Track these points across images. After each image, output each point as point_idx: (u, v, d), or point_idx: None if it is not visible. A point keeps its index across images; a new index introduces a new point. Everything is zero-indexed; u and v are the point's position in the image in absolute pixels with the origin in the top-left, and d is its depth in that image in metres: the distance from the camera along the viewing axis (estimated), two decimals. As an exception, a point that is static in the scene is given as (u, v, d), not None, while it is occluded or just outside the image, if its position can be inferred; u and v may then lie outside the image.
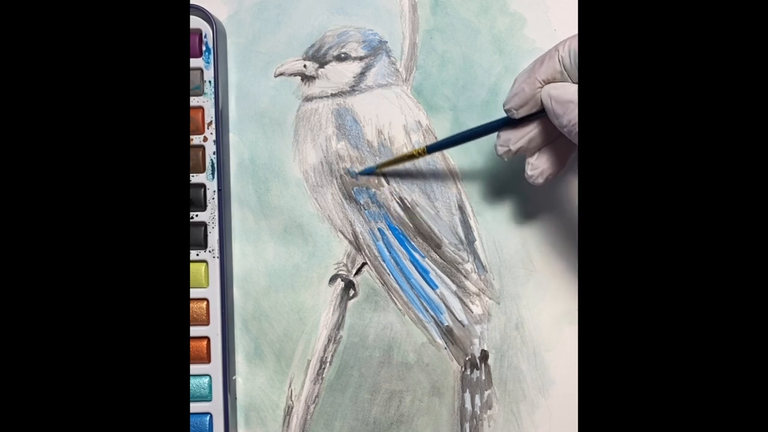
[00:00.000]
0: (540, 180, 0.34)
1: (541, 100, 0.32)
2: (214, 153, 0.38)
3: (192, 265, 0.38)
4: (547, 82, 0.32)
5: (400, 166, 0.39)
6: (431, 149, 0.37)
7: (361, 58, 0.40)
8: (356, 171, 0.39)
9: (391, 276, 0.40)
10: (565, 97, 0.30)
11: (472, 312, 0.40)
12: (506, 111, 0.33)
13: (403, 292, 0.40)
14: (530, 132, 0.33)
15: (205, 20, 0.38)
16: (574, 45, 0.31)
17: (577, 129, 0.30)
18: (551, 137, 0.34)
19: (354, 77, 0.40)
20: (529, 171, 0.34)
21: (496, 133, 0.34)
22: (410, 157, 0.38)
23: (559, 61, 0.31)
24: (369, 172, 0.39)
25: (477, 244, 0.40)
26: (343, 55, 0.40)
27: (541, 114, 0.32)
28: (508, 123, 0.34)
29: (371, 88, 0.40)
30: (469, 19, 0.40)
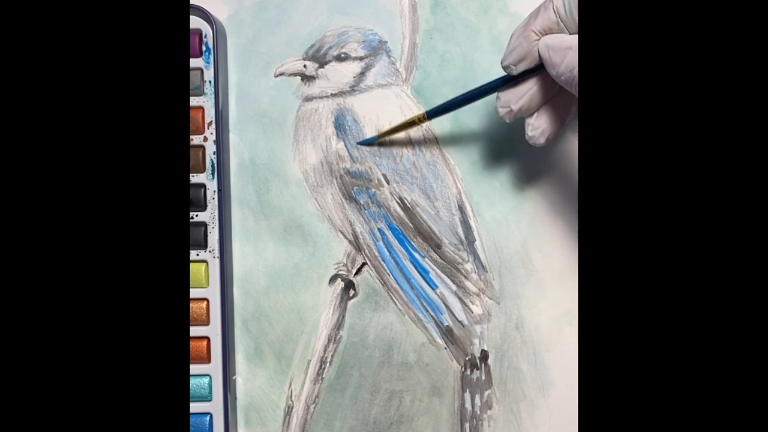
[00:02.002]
0: (542, 140, 0.34)
1: (539, 52, 0.32)
2: (214, 153, 0.39)
3: (192, 265, 0.38)
4: (543, 34, 0.32)
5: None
6: (431, 114, 0.37)
7: (361, 58, 0.40)
8: (358, 142, 0.39)
9: (391, 276, 0.40)
10: (562, 45, 0.31)
11: (472, 312, 0.40)
12: (504, 68, 0.33)
13: (403, 292, 0.40)
14: (530, 90, 0.33)
15: (205, 20, 0.38)
16: None
17: (573, 75, 0.30)
18: (550, 94, 0.34)
19: (354, 77, 0.40)
20: (530, 132, 0.34)
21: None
22: (410, 124, 0.38)
23: (554, 11, 0.31)
24: (370, 143, 0.39)
25: (477, 244, 0.40)
26: (343, 55, 0.40)
27: (538, 70, 0.32)
28: (506, 82, 0.34)
29: (371, 88, 0.40)
30: (469, 19, 0.40)
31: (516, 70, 0.33)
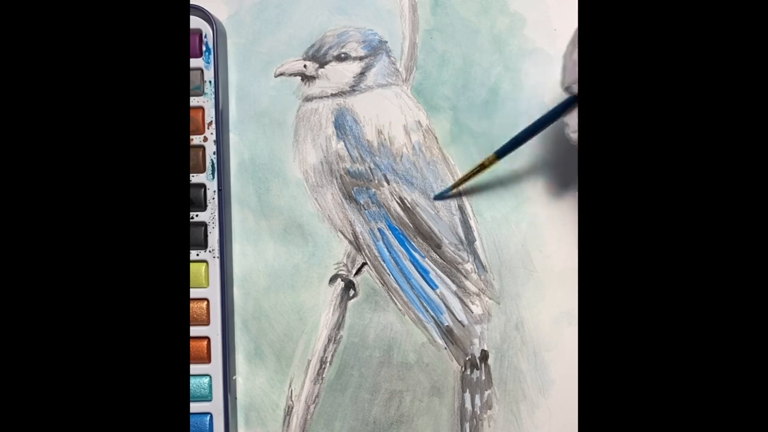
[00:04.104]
0: None
1: None
2: (214, 153, 0.38)
3: (192, 265, 0.38)
4: None
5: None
6: (501, 154, 0.37)
7: (361, 58, 0.40)
8: (432, 195, 0.39)
9: (391, 276, 0.40)
10: None
11: (472, 312, 0.40)
12: (566, 89, 0.33)
13: (403, 292, 0.40)
14: None
15: (205, 20, 0.38)
16: None
17: None
18: None
19: (354, 77, 0.40)
20: None
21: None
22: (481, 167, 0.37)
23: None
24: (445, 195, 0.39)
25: (477, 244, 0.40)
26: (343, 55, 0.40)
27: None
28: (569, 104, 0.33)
29: (371, 88, 0.40)
30: (469, 19, 0.40)
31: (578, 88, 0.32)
